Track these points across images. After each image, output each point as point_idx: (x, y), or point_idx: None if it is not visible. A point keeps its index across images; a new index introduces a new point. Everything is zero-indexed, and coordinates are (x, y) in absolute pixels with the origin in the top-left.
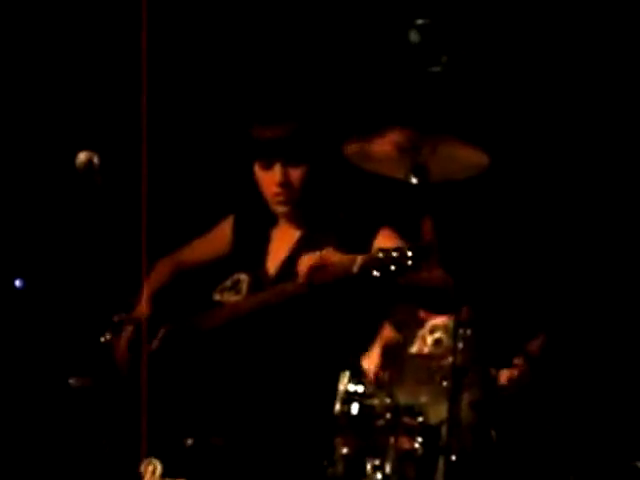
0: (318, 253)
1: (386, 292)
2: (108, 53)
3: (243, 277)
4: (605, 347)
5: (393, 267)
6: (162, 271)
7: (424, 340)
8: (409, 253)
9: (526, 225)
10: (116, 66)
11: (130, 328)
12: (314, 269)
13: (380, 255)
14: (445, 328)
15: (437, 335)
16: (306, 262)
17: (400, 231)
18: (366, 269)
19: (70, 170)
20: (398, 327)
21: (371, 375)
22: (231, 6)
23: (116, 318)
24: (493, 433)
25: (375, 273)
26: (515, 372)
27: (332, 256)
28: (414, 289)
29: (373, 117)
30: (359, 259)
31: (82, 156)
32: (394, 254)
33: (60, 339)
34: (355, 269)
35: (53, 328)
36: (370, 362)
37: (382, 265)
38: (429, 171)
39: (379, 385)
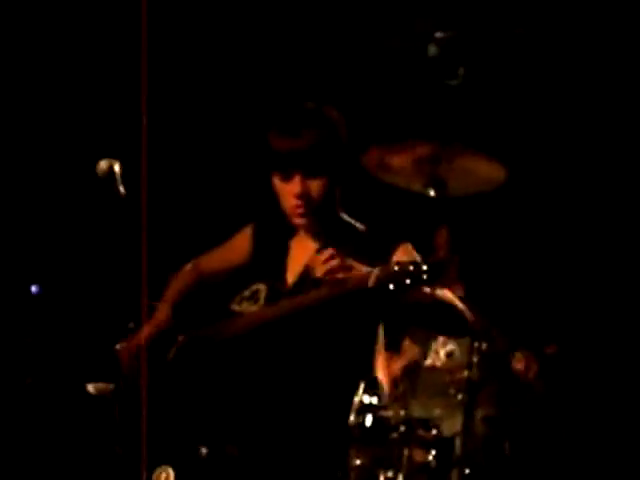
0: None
1: (400, 309)
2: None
3: (261, 287)
4: (620, 361)
5: (409, 281)
6: (183, 279)
7: (437, 353)
8: (425, 267)
9: (541, 237)
10: (136, 78)
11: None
12: (333, 267)
13: (396, 268)
14: (458, 341)
15: (450, 348)
16: (326, 256)
17: (417, 244)
18: (382, 283)
19: (91, 177)
20: (414, 340)
21: (386, 388)
22: (251, 15)
23: (132, 325)
24: (507, 446)
25: (391, 287)
26: (528, 359)
27: (352, 263)
28: (427, 309)
29: (392, 129)
30: (375, 272)
31: (103, 164)
32: (410, 267)
33: (76, 345)
34: (371, 282)
35: (69, 334)
36: (388, 375)
37: (398, 278)
38: (447, 184)
39: (394, 397)
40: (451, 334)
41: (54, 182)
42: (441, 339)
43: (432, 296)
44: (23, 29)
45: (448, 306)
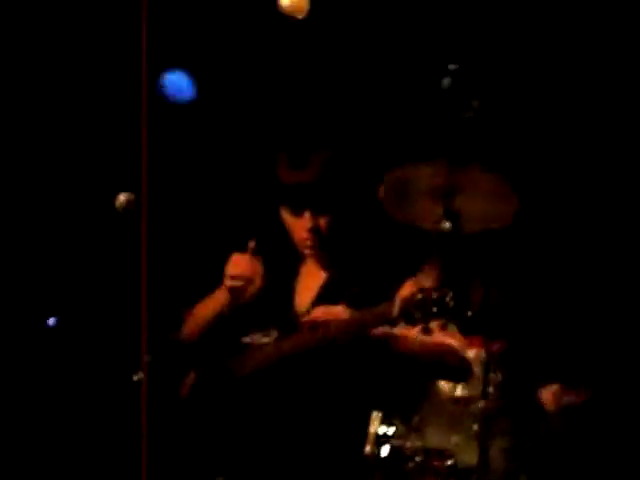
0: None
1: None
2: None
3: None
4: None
5: (435, 309)
6: (220, 296)
7: None
8: (450, 294)
9: (557, 265)
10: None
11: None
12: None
13: (419, 296)
14: (478, 360)
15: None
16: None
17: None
18: (407, 310)
19: (110, 211)
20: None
21: None
22: (264, 47)
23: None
24: (524, 479)
25: (417, 315)
26: (556, 390)
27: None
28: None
29: (406, 161)
30: (398, 301)
31: (122, 197)
32: (434, 295)
33: (95, 376)
34: (396, 312)
35: (86, 366)
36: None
37: (423, 306)
38: (461, 217)
39: (410, 427)
40: (453, 379)
41: (72, 214)
42: None
43: (425, 345)
44: (23, 29)
45: (443, 352)
